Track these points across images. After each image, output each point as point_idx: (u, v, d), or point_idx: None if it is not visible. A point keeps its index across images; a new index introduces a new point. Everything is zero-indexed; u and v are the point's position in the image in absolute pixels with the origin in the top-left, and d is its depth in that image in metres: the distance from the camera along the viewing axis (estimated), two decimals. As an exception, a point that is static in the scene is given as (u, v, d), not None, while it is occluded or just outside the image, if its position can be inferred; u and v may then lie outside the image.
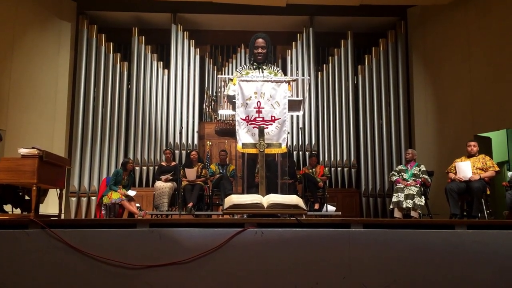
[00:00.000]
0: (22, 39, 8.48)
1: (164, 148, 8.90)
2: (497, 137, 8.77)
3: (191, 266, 3.26)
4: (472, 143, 6.41)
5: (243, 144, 4.27)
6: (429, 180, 6.86)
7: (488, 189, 6.16)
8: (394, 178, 6.99)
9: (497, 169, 6.24)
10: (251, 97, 4.31)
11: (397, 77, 9.74)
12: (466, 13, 8.60)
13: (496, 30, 8.01)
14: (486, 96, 8.09)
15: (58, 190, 5.50)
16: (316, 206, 7.65)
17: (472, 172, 6.12)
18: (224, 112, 5.16)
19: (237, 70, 5.00)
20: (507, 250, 3.36)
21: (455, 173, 6.28)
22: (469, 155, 6.37)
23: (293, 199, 3.83)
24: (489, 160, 6.28)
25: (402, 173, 6.97)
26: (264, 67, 4.80)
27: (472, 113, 8.32)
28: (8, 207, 5.30)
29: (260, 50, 4.78)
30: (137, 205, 7.20)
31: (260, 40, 4.79)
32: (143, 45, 9.73)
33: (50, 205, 6.62)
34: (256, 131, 4.24)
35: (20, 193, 5.32)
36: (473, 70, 8.38)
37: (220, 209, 7.35)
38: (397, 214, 6.63)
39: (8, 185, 4.97)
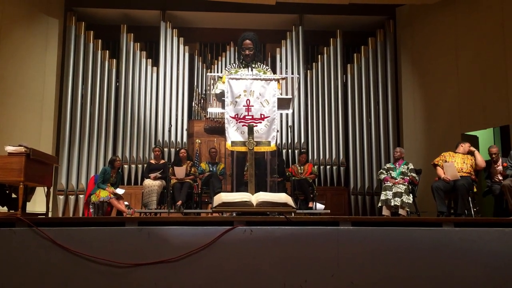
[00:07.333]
0: (9, 35, 8.37)
1: (153, 146, 8.87)
2: (484, 136, 8.86)
3: (180, 264, 3.25)
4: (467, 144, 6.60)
5: (232, 142, 4.26)
6: (417, 178, 6.93)
7: (475, 187, 6.25)
8: (383, 176, 7.04)
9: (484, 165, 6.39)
10: (240, 95, 4.31)
11: (385, 76, 9.81)
12: (454, 12, 8.67)
13: (483, 29, 8.08)
14: (474, 95, 8.17)
15: (45, 188, 5.46)
16: (310, 205, 7.67)
17: (462, 168, 6.23)
18: (214, 110, 5.15)
19: (226, 68, 5.00)
20: (494, 247, 3.39)
21: (443, 168, 6.35)
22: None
23: (282, 197, 3.84)
24: (478, 155, 6.47)
25: (391, 171, 7.02)
26: (254, 66, 4.80)
27: (460, 112, 8.40)
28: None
29: (247, 52, 4.77)
30: (126, 203, 7.17)
31: (247, 41, 4.77)
32: (131, 42, 9.68)
33: (38, 203, 6.57)
34: (246, 129, 4.23)
35: (7, 191, 5.27)
36: (461, 69, 8.46)
37: (209, 207, 7.35)
38: (385, 212, 6.69)
39: (-6, 183, 4.93)
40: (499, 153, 6.55)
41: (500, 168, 6.20)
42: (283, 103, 4.47)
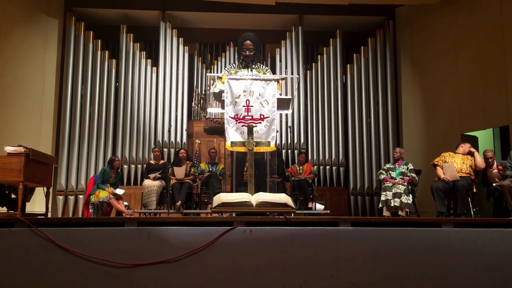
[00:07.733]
0: (8, 36, 8.37)
1: (152, 146, 8.87)
2: (483, 136, 8.86)
3: (180, 264, 3.25)
4: (467, 145, 6.61)
5: (232, 143, 4.26)
6: (416, 178, 6.92)
7: (474, 187, 6.25)
8: (382, 176, 7.04)
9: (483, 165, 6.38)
10: (240, 95, 4.31)
11: (385, 76, 9.80)
12: (454, 12, 8.67)
13: (483, 29, 8.09)
14: (473, 96, 8.17)
15: (45, 188, 5.45)
16: (310, 205, 7.67)
17: (462, 168, 6.23)
18: (213, 110, 5.16)
19: (226, 69, 5.01)
20: (493, 248, 3.40)
21: (443, 168, 6.35)
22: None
23: (281, 197, 3.84)
24: (478, 156, 6.47)
25: (390, 172, 7.02)
26: (253, 66, 4.80)
27: (459, 112, 8.41)
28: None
29: (247, 53, 4.78)
30: (125, 203, 7.16)
31: (247, 42, 4.78)
32: (131, 42, 9.67)
33: (37, 204, 6.56)
34: (245, 129, 4.23)
35: (6, 192, 5.26)
36: (461, 70, 8.46)
37: (208, 207, 7.35)
38: (386, 213, 6.68)
39: (-6, 184, 4.92)
40: (495, 156, 6.57)
41: (496, 171, 6.21)
42: (282, 104, 4.47)
